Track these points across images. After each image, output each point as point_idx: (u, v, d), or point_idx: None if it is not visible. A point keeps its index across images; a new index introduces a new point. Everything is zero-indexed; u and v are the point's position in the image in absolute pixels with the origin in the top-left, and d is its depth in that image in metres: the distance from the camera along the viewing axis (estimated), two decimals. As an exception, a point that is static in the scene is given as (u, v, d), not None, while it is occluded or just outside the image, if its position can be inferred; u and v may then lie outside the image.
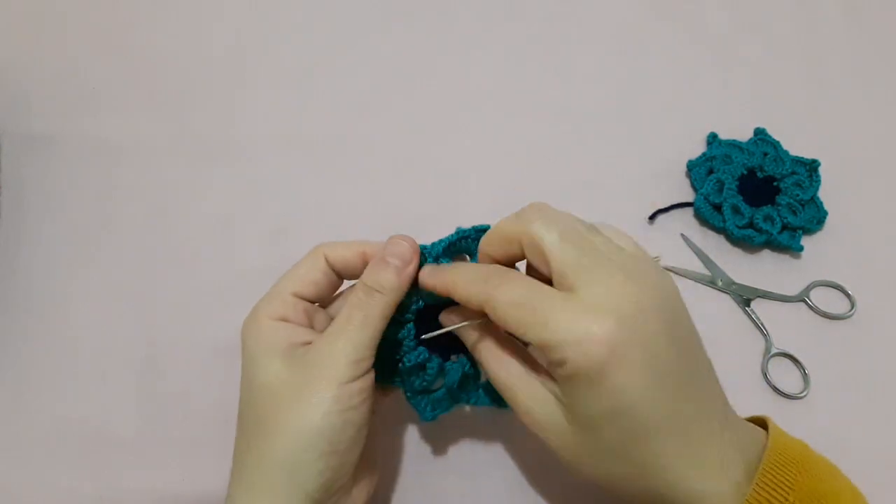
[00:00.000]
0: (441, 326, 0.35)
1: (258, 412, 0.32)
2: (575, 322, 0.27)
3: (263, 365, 0.32)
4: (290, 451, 0.30)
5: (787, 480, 0.29)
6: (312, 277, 0.35)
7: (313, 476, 0.30)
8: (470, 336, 0.34)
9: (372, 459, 0.36)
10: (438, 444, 0.42)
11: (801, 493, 0.28)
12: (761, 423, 0.33)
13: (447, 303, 0.34)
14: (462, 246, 0.35)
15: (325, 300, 0.36)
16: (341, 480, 0.32)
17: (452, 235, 0.35)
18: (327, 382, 0.30)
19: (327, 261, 0.35)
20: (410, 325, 0.35)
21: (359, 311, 0.32)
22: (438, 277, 0.33)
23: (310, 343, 0.33)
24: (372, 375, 0.32)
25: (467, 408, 0.43)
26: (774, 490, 0.28)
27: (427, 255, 0.34)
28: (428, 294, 0.34)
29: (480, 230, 0.34)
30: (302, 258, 0.35)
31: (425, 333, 0.34)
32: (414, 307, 0.35)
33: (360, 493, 0.34)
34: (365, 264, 0.35)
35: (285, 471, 0.30)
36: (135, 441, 0.42)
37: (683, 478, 0.28)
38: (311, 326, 0.35)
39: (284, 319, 0.33)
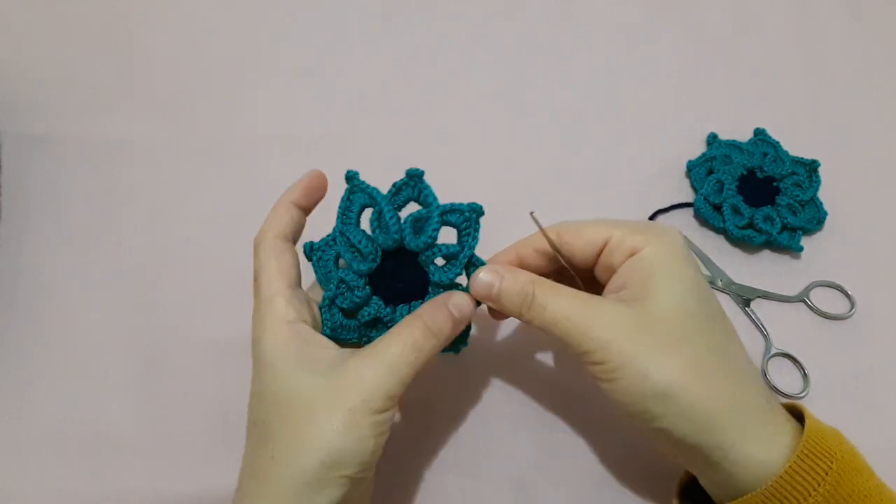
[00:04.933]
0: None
1: (279, 424, 0.31)
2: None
3: (286, 375, 0.31)
4: (318, 468, 0.29)
5: (829, 451, 0.30)
6: (286, 260, 0.34)
7: (338, 490, 0.30)
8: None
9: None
10: (438, 443, 0.42)
11: (841, 462, 0.30)
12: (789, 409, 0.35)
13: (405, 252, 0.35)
14: (406, 195, 0.36)
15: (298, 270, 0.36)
16: (360, 492, 0.32)
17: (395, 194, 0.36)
18: (364, 411, 0.30)
19: (281, 237, 0.35)
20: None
21: (409, 347, 0.31)
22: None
23: (331, 350, 0.32)
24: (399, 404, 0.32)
25: (467, 406, 0.43)
26: (819, 457, 0.30)
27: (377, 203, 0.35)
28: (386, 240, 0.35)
29: (414, 175, 0.35)
30: (259, 256, 0.35)
31: (376, 281, 0.35)
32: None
33: (364, 498, 0.35)
34: (299, 212, 0.36)
35: (311, 486, 0.30)
36: (135, 441, 0.42)
37: (736, 443, 0.30)
38: (315, 320, 0.35)
39: (303, 321, 0.33)
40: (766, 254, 0.48)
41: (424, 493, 0.41)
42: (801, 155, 0.49)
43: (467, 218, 0.35)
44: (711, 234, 0.48)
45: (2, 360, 0.45)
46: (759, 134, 0.51)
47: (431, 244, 0.34)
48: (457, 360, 0.44)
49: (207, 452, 0.40)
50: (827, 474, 0.30)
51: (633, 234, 0.34)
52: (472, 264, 0.35)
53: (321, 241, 0.36)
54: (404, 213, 0.35)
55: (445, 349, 0.37)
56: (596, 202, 0.49)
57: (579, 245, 0.35)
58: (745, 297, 0.46)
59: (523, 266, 0.37)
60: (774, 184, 0.48)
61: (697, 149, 0.51)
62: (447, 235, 0.35)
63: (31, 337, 0.45)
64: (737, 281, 0.46)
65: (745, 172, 0.48)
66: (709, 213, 0.48)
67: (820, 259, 0.47)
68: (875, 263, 0.47)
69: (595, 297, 0.34)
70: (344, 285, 0.35)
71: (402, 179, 0.36)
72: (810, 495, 0.29)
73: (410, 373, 0.31)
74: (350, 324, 0.35)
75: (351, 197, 0.36)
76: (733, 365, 0.33)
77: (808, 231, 0.48)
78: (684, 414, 0.30)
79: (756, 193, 0.48)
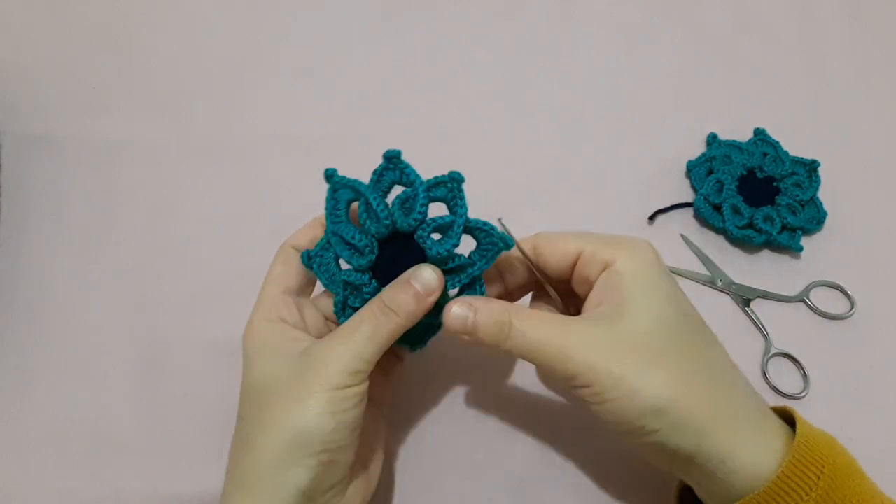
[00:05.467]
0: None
1: (254, 411, 0.32)
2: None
3: (261, 366, 0.33)
4: (282, 448, 0.30)
5: (820, 456, 0.30)
6: (291, 270, 0.36)
7: (304, 473, 0.30)
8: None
9: (370, 460, 0.36)
10: (438, 444, 0.42)
11: (833, 467, 0.30)
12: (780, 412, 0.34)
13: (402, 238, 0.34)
14: (389, 178, 0.35)
15: (309, 285, 0.37)
16: (334, 479, 0.32)
17: (376, 181, 0.35)
18: (321, 386, 0.31)
19: (295, 249, 0.36)
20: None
21: (369, 324, 0.32)
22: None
23: (305, 342, 0.33)
24: (367, 382, 0.32)
25: (467, 405, 0.43)
26: (810, 461, 0.30)
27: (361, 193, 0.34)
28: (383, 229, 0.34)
29: (392, 156, 0.35)
30: (273, 261, 0.36)
31: (380, 273, 0.35)
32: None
33: (357, 492, 0.35)
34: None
35: (277, 467, 0.30)
36: (135, 441, 0.42)
37: (731, 450, 0.30)
38: (304, 322, 0.36)
39: (282, 320, 0.34)
40: (766, 254, 0.48)
41: (424, 494, 0.41)
42: (801, 155, 0.49)
43: (450, 188, 0.35)
44: (711, 234, 0.48)
45: (2, 360, 0.45)
46: (759, 134, 0.51)
47: (422, 220, 0.34)
48: (456, 360, 0.44)
49: (207, 452, 0.40)
50: (819, 479, 0.29)
51: (604, 248, 0.34)
52: (478, 229, 0.35)
53: (316, 247, 0.36)
54: (390, 198, 0.35)
55: (403, 342, 0.36)
56: (596, 202, 0.49)
57: (554, 257, 0.35)
58: (745, 297, 0.46)
59: (503, 278, 0.37)
60: (774, 184, 0.48)
61: (697, 149, 0.51)
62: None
63: (31, 337, 0.45)
64: (737, 281, 0.46)
65: (744, 172, 0.48)
66: (709, 213, 0.48)
67: (820, 259, 0.47)
68: (875, 263, 0.47)
69: (574, 319, 0.33)
70: (350, 286, 0.35)
71: (381, 165, 0.35)
72: (802, 500, 0.29)
73: (372, 349, 0.32)
74: None
75: (335, 195, 0.36)
76: (719, 373, 0.33)
77: (808, 231, 0.48)
78: (678, 426, 0.30)
79: (756, 193, 0.48)
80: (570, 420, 0.42)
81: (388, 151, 0.35)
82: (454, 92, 0.54)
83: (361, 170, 0.51)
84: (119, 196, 0.50)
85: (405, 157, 0.35)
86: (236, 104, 0.53)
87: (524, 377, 0.44)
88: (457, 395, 0.43)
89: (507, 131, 0.52)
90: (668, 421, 0.30)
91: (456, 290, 0.35)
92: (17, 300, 0.46)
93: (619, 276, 0.33)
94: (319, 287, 0.38)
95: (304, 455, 0.30)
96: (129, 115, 0.53)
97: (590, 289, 0.34)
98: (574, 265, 0.35)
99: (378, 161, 0.35)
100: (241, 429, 0.33)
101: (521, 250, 0.35)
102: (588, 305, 0.34)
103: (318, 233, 0.37)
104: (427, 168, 0.35)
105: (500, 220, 0.35)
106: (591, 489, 0.41)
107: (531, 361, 0.33)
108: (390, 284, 0.34)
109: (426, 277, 0.33)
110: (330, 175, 0.35)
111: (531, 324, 0.32)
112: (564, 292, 0.37)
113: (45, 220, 0.49)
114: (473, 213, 0.35)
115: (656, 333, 0.32)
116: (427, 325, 0.36)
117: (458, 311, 0.33)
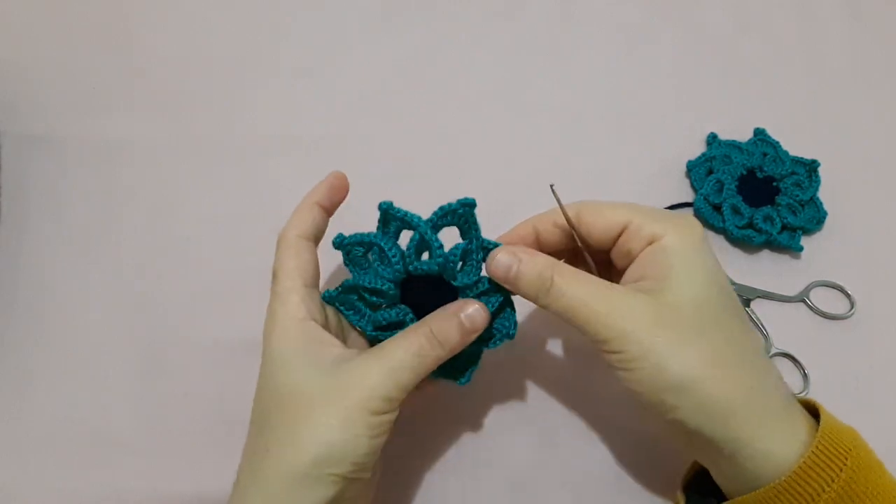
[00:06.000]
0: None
1: (277, 418, 0.31)
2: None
3: (290, 371, 0.32)
4: (309, 462, 0.30)
5: (844, 447, 0.30)
6: (305, 259, 0.35)
7: (328, 489, 0.30)
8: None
9: (376, 470, 0.36)
10: (439, 444, 0.42)
11: (856, 459, 0.30)
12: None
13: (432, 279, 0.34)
14: (448, 221, 0.34)
15: (318, 278, 0.36)
16: (355, 493, 0.32)
17: (437, 212, 0.34)
18: (361, 410, 0.30)
19: (303, 236, 0.35)
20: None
21: (411, 352, 0.32)
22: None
23: (336, 349, 0.33)
24: (398, 411, 0.32)
25: (467, 408, 0.43)
26: (834, 453, 0.30)
27: (416, 231, 0.34)
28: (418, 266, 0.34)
29: (465, 203, 0.33)
30: (279, 253, 0.35)
31: (410, 301, 0.35)
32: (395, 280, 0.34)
33: (361, 500, 0.35)
34: (322, 212, 0.36)
35: (304, 480, 0.30)
36: (135, 441, 0.42)
37: (754, 437, 0.30)
38: (329, 322, 0.35)
39: (312, 318, 0.33)
40: (766, 254, 0.48)
41: (425, 495, 0.41)
42: (801, 155, 0.49)
43: (462, 215, 0.34)
44: (711, 234, 0.48)
45: (2, 360, 0.45)
46: (759, 134, 0.51)
47: (477, 281, 0.34)
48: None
49: (207, 452, 0.40)
50: (841, 471, 0.29)
51: (653, 222, 0.33)
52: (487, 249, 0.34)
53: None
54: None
55: (447, 376, 0.37)
56: (596, 202, 0.49)
57: (599, 226, 0.35)
58: (745, 297, 0.46)
59: (539, 241, 0.37)
60: (774, 184, 0.48)
61: (697, 149, 0.51)
62: (449, 234, 0.35)
63: (31, 337, 0.45)
64: (736, 281, 0.46)
65: (744, 172, 0.48)
66: (709, 213, 0.48)
67: (820, 259, 0.47)
68: (875, 263, 0.47)
69: (614, 286, 0.33)
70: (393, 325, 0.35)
71: (450, 205, 0.34)
72: (824, 491, 0.29)
73: (411, 378, 0.31)
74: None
75: (386, 227, 0.34)
76: (750, 358, 0.32)
77: (808, 231, 0.48)
78: (700, 406, 0.30)
79: (756, 193, 0.48)
80: (569, 421, 0.43)
81: (463, 199, 0.33)
82: (454, 92, 0.54)
83: (361, 169, 0.51)
84: (119, 196, 0.50)
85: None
86: (236, 104, 0.53)
87: (523, 379, 0.44)
88: (457, 395, 0.43)
89: (507, 131, 0.52)
90: (692, 400, 0.30)
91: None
92: (17, 300, 0.46)
93: (666, 253, 0.33)
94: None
95: (331, 472, 0.30)
96: (129, 115, 0.53)
97: (630, 261, 0.34)
98: (618, 236, 0.35)
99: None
100: (261, 433, 0.32)
101: (565, 217, 0.35)
102: (628, 277, 0.34)
103: (314, 214, 0.36)
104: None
105: (551, 186, 0.35)
106: (590, 490, 0.41)
107: (565, 320, 0.32)
108: (436, 314, 0.33)
109: (474, 313, 0.33)
110: (386, 209, 0.34)
111: (572, 283, 0.32)
112: (600, 262, 0.37)
113: (45, 220, 0.49)
114: (478, 212, 0.35)
115: (695, 312, 0.31)
116: (469, 355, 0.36)
117: (503, 259, 0.33)
